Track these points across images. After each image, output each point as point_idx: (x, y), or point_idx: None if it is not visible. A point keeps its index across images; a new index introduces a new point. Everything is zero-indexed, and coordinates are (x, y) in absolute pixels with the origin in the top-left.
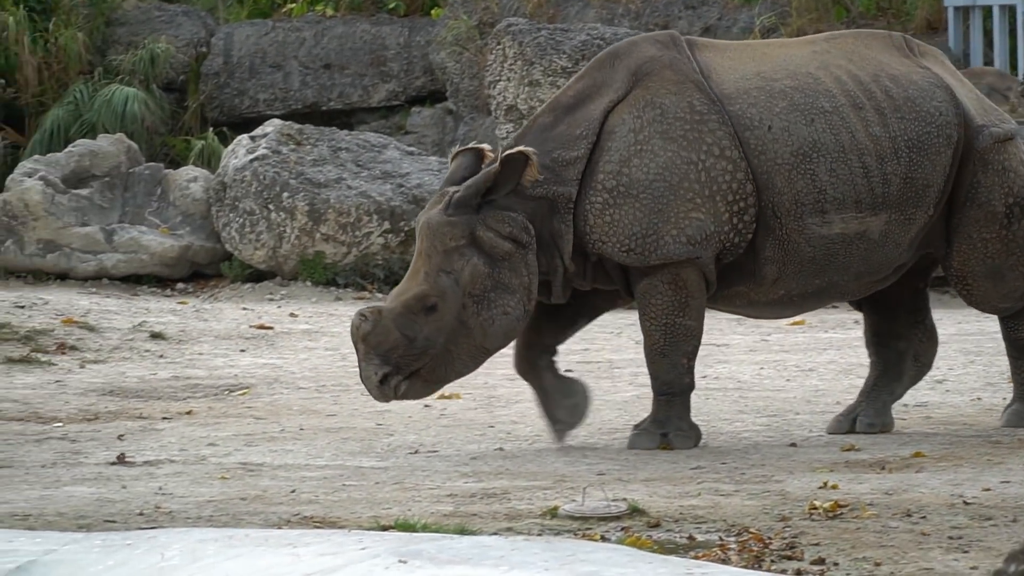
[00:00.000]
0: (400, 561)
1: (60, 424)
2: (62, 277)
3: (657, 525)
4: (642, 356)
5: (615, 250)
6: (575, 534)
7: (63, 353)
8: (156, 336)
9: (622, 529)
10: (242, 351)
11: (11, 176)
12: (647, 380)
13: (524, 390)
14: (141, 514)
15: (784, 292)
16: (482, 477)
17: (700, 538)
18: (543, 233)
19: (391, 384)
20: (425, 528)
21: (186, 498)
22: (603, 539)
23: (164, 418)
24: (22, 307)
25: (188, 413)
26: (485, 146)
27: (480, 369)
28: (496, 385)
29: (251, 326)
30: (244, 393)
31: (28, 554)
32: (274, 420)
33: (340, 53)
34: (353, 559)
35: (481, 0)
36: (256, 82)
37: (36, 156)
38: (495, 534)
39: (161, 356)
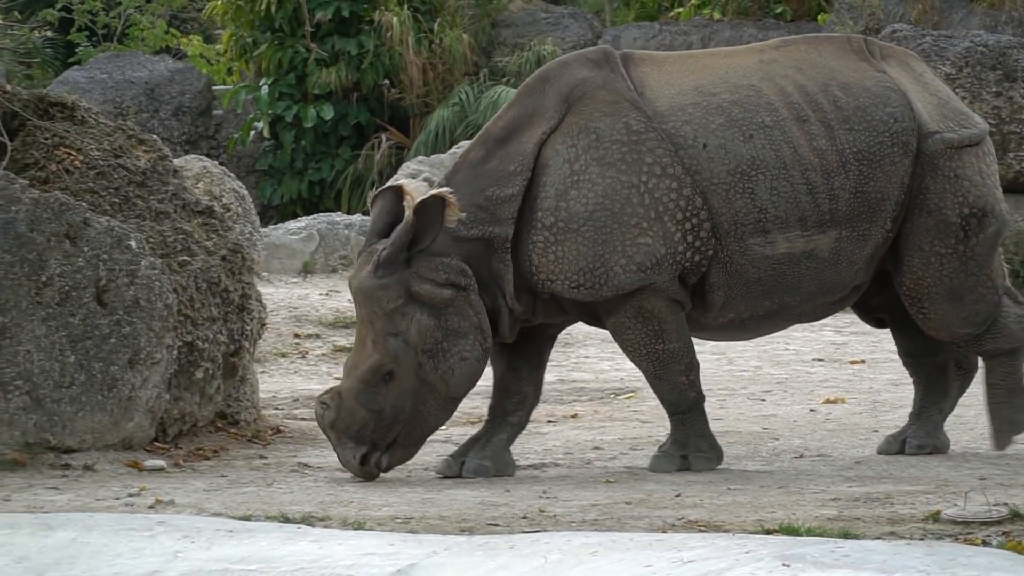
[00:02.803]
0: (783, 565)
1: (444, 428)
2: None
3: None
4: None
5: (564, 288)
6: (956, 538)
7: None
8: None
9: (1003, 534)
10: None
11: (394, 176)
12: None
13: (907, 395)
14: (524, 518)
15: (734, 315)
16: (865, 482)
17: None
18: (482, 273)
19: (372, 462)
20: (809, 532)
21: (570, 502)
22: (984, 544)
23: (549, 421)
24: None
25: (573, 416)
26: (403, 182)
27: (864, 373)
28: (880, 390)
29: None
30: (630, 397)
31: (410, 557)
32: (660, 424)
33: None
34: (737, 563)
35: (866, 6)
36: None
37: (420, 157)
38: (877, 538)
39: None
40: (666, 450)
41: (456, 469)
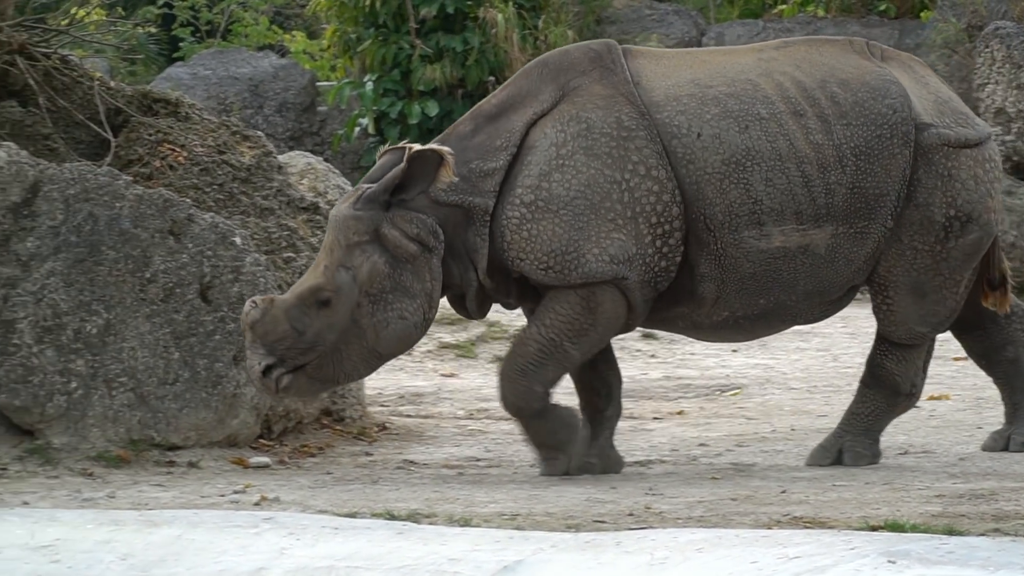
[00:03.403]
0: (888, 561)
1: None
2: None
3: None
4: None
5: (533, 267)
6: None
7: None
8: (648, 336)
9: None
10: (734, 351)
11: None
12: None
13: None
14: (631, 514)
15: (728, 313)
16: (970, 478)
17: None
18: (456, 243)
19: (272, 376)
20: (913, 528)
21: (676, 498)
22: None
23: (655, 418)
24: None
25: (679, 413)
26: (414, 145)
27: (968, 370)
28: (984, 387)
29: None
30: (736, 394)
31: (516, 553)
32: (765, 421)
33: None
34: (842, 559)
35: (969, 3)
36: None
37: None
38: (982, 535)
39: (652, 356)
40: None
41: (564, 468)
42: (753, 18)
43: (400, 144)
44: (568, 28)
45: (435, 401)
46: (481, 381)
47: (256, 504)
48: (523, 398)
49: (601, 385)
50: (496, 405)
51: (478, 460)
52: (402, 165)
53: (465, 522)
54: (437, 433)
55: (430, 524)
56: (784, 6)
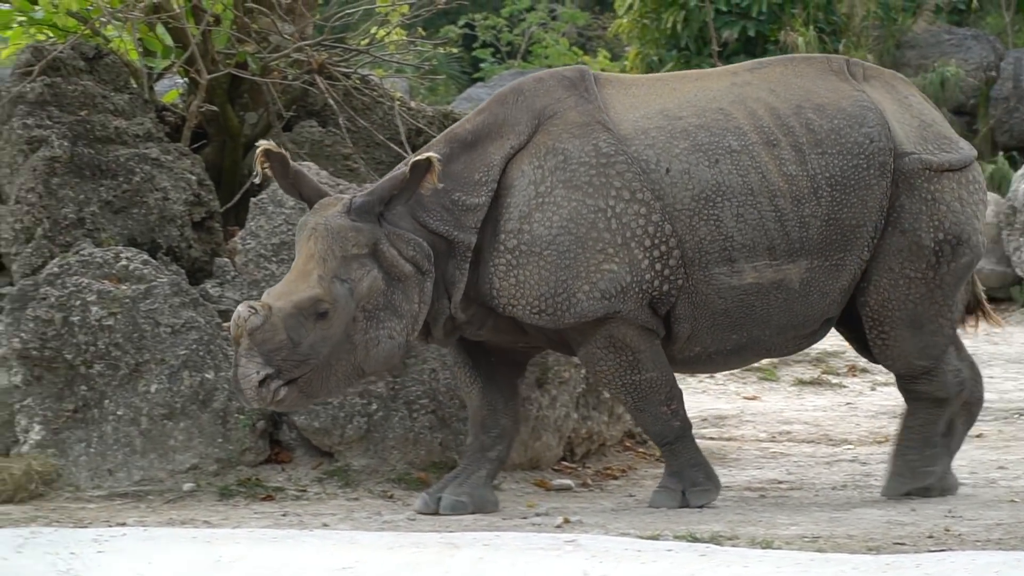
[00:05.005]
0: None
1: (851, 446)
2: None
3: None
4: None
5: (526, 313)
6: None
7: (854, 375)
8: None
9: None
10: None
11: None
12: None
13: None
14: (930, 536)
15: (700, 349)
16: None
17: None
18: (435, 272)
19: (271, 387)
20: None
21: (975, 521)
22: None
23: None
24: None
25: (978, 436)
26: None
27: None
28: None
29: None
30: None
31: None
32: None
33: None
34: None
35: None
36: None
37: None
38: None
39: None
40: (665, 484)
41: (433, 506)
42: None
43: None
44: (868, 52)
45: (737, 424)
46: (783, 404)
47: (558, 526)
48: (656, 423)
49: (494, 425)
50: (799, 428)
51: (780, 482)
52: (403, 173)
53: (767, 544)
54: (739, 455)
55: (732, 546)
56: None
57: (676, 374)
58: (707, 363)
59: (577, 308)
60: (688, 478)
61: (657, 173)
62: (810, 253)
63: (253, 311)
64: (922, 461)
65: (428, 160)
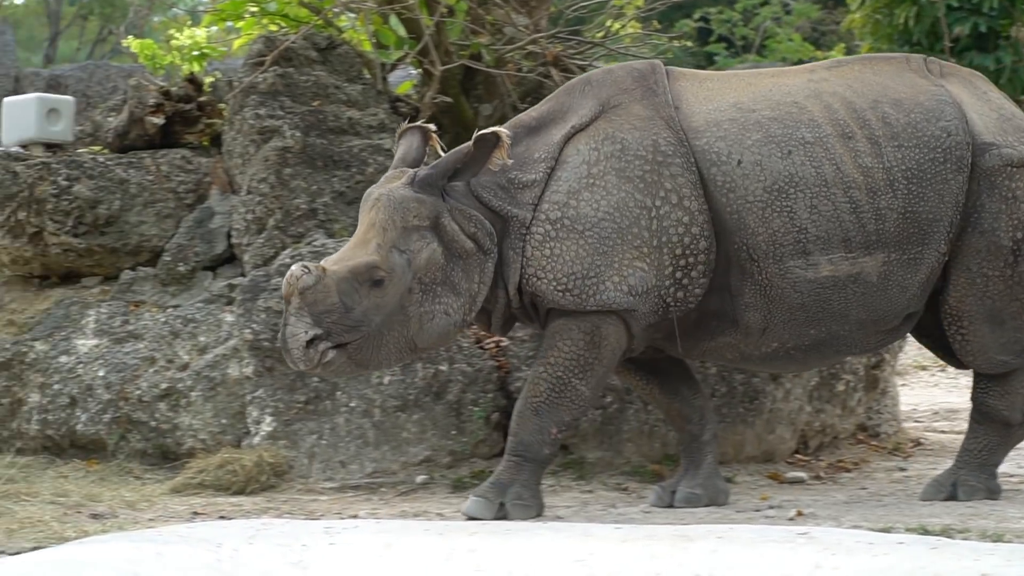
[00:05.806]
0: None
1: None
2: None
3: None
4: None
5: (551, 287)
6: None
7: None
8: None
9: None
10: None
11: None
12: None
13: None
14: None
15: (778, 344)
16: None
17: None
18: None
19: (319, 348)
20: None
21: None
22: None
23: None
24: None
25: None
26: (430, 126)
27: None
28: None
29: None
30: None
31: None
32: None
33: None
34: None
35: None
36: None
37: None
38: None
39: None
40: (484, 494)
41: (667, 499)
42: None
43: (418, 124)
44: None
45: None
46: None
47: (791, 519)
48: (535, 435)
49: (692, 411)
50: None
51: (1011, 476)
52: (468, 148)
53: (998, 537)
54: None
55: (963, 539)
56: None
57: (760, 373)
58: (787, 360)
59: (603, 296)
60: (513, 493)
61: (728, 165)
62: (887, 246)
63: (307, 270)
64: (973, 482)
65: (495, 134)
